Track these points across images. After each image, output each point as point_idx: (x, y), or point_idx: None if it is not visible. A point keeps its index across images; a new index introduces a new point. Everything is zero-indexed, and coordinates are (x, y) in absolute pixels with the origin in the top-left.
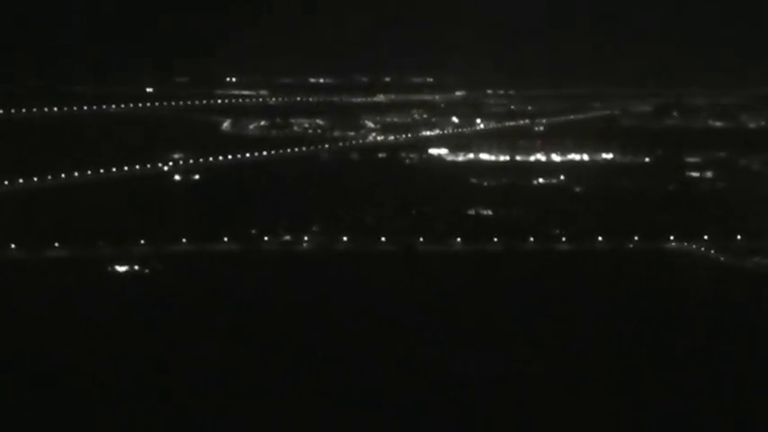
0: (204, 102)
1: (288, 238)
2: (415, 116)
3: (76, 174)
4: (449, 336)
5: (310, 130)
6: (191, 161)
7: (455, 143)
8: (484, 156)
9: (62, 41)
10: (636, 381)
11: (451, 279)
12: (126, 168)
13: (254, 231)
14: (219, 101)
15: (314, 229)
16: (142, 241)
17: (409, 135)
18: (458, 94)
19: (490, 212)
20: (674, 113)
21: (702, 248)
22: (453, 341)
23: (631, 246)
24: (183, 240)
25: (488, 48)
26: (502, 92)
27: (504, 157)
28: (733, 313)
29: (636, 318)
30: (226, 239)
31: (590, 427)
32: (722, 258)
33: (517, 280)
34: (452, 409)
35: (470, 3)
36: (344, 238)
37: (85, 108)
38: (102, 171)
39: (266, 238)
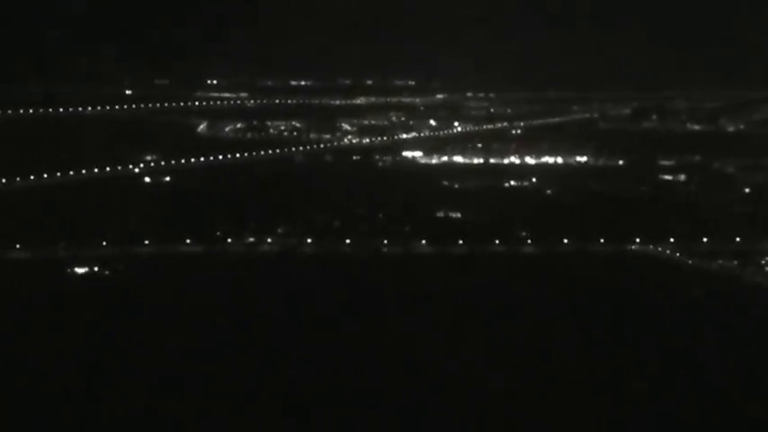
0: (182, 104)
1: (252, 239)
2: (393, 119)
3: (45, 176)
4: (410, 336)
5: (286, 133)
6: (162, 163)
7: (430, 146)
8: (458, 158)
9: (45, 43)
10: (599, 381)
11: (414, 281)
12: (96, 170)
13: (218, 233)
14: (197, 103)
15: (279, 231)
16: (104, 243)
17: (385, 138)
18: (438, 97)
19: (459, 215)
20: (653, 117)
21: (668, 251)
22: (415, 342)
23: (596, 248)
24: (146, 242)
25: (471, 52)
26: (482, 95)
27: (477, 160)
28: (694, 315)
29: (595, 319)
30: (189, 241)
31: (556, 427)
32: (690, 261)
33: (481, 282)
34: (420, 410)
35: (455, 9)
36: (308, 240)
37: (61, 110)
38: (71, 173)
39: (230, 240)
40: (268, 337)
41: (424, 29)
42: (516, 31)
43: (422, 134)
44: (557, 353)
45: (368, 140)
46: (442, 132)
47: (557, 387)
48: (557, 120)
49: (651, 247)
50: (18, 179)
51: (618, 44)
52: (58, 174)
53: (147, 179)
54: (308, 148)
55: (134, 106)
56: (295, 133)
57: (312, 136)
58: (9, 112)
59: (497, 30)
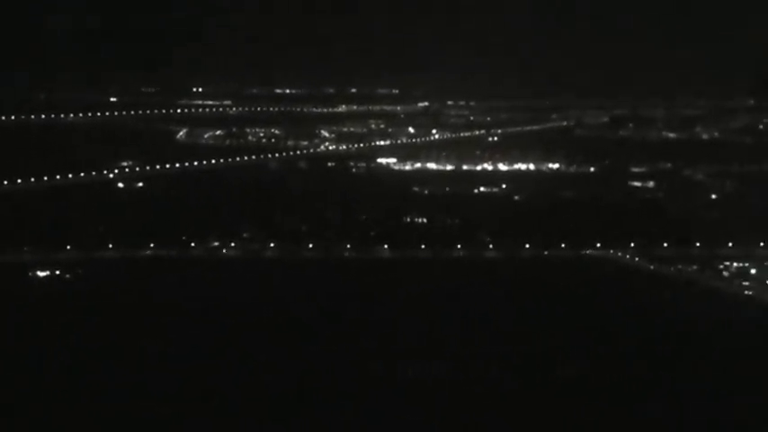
0: (164, 111)
1: (216, 244)
2: (372, 126)
3: (19, 181)
4: (369, 341)
5: (264, 140)
6: (137, 169)
7: (405, 153)
8: (431, 165)
9: (32, 49)
10: (559, 384)
11: (374, 285)
12: (70, 176)
13: (183, 238)
14: (179, 110)
15: (244, 235)
16: (68, 247)
17: (362, 145)
18: (420, 105)
19: (425, 220)
20: (630, 125)
21: (627, 256)
22: (373, 346)
23: (556, 253)
24: (110, 246)
25: (456, 61)
26: (462, 103)
27: (450, 167)
28: (649, 319)
29: (552, 323)
30: (152, 245)
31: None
32: (651, 266)
33: (440, 286)
34: (383, 413)
35: (441, 19)
36: (271, 245)
37: (43, 116)
38: (45, 179)
39: (193, 244)
40: (226, 340)
41: (411, 39)
42: (500, 42)
43: (398, 141)
44: (515, 355)
45: (344, 147)
46: (418, 140)
47: (517, 389)
48: (534, 127)
49: (611, 251)
50: None
51: (599, 54)
52: (32, 179)
53: (121, 185)
54: (284, 154)
55: (116, 113)
56: (273, 140)
57: (290, 143)
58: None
59: (482, 40)
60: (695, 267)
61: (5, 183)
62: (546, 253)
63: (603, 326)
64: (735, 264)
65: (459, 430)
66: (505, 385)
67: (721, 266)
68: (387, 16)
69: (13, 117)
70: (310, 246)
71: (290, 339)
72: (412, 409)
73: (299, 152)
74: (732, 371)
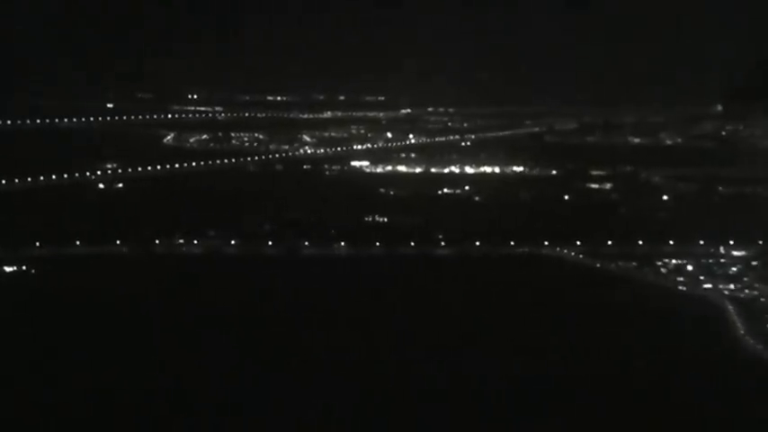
0: (155, 116)
1: (180, 241)
2: (353, 131)
3: (3, 182)
4: (322, 332)
5: (247, 144)
6: (119, 171)
7: (379, 156)
8: (401, 168)
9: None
10: (501, 377)
11: (329, 280)
12: (54, 177)
13: (149, 235)
14: (172, 116)
15: (210, 234)
16: (37, 243)
17: (339, 148)
18: (402, 111)
19: (385, 219)
20: (598, 131)
21: (573, 253)
22: (326, 338)
23: (506, 250)
24: (78, 243)
25: (440, 70)
26: (441, 110)
27: (419, 169)
28: (589, 313)
29: (496, 316)
30: (118, 242)
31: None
32: (597, 264)
33: (393, 282)
34: (326, 407)
35: (428, 30)
36: (233, 242)
37: (38, 121)
38: (29, 179)
39: (157, 242)
40: (185, 333)
41: (400, 49)
42: (485, 53)
43: (375, 145)
44: (463, 348)
45: (322, 151)
46: (394, 144)
47: (462, 381)
48: (506, 133)
49: (558, 249)
50: None
51: (574, 64)
52: (16, 180)
53: (101, 185)
54: (263, 157)
55: (108, 118)
56: (255, 144)
57: (271, 146)
58: None
59: (467, 52)
60: (635, 264)
61: None
62: (496, 250)
63: (546, 319)
64: (673, 260)
65: (406, 423)
66: (451, 377)
67: (660, 263)
68: (380, 28)
69: (8, 122)
70: (269, 243)
71: (248, 331)
72: (364, 400)
73: (277, 155)
74: (664, 360)
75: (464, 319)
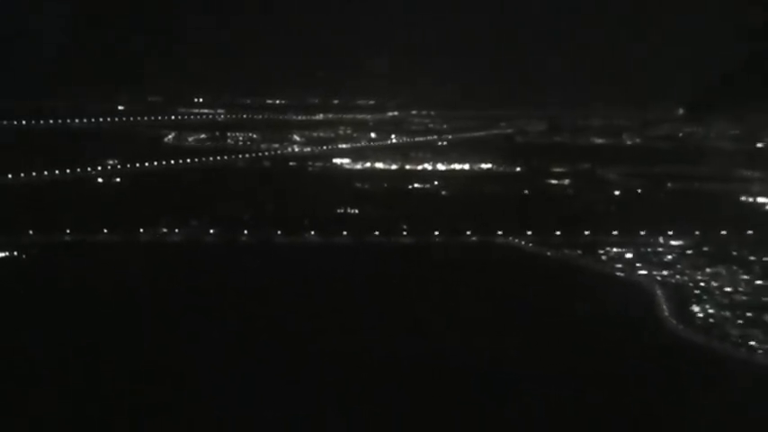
0: (159, 118)
1: (164, 230)
2: (340, 132)
3: (10, 176)
4: (291, 316)
5: (240, 143)
6: (119, 166)
7: (359, 154)
8: (379, 165)
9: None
10: (454, 358)
11: (300, 267)
12: (57, 172)
13: (135, 225)
14: (176, 117)
15: (193, 223)
16: (31, 232)
17: (324, 147)
18: (388, 114)
19: (356, 211)
20: (565, 132)
21: (523, 242)
22: (295, 320)
23: (464, 240)
24: (68, 231)
25: (426, 76)
26: (424, 112)
27: (395, 166)
28: (537, 297)
29: (453, 300)
30: (105, 231)
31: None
32: (548, 252)
33: (359, 268)
34: (297, 391)
35: (417, 37)
36: (211, 231)
37: (51, 122)
38: (34, 174)
39: (142, 230)
40: (166, 316)
41: (388, 56)
42: (469, 60)
43: (358, 145)
44: (422, 333)
45: (308, 149)
46: (376, 143)
47: (417, 365)
48: (480, 134)
49: (510, 238)
50: None
51: (549, 70)
52: (22, 174)
53: (100, 180)
54: (254, 155)
55: (116, 119)
56: (249, 143)
57: (263, 145)
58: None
59: (452, 57)
60: (579, 252)
61: None
62: (454, 240)
63: (494, 302)
64: (614, 249)
65: (362, 408)
66: (406, 360)
67: (602, 251)
68: (372, 37)
69: (23, 122)
70: (245, 232)
71: (222, 311)
72: (329, 385)
73: (267, 153)
74: (594, 339)
75: (420, 302)
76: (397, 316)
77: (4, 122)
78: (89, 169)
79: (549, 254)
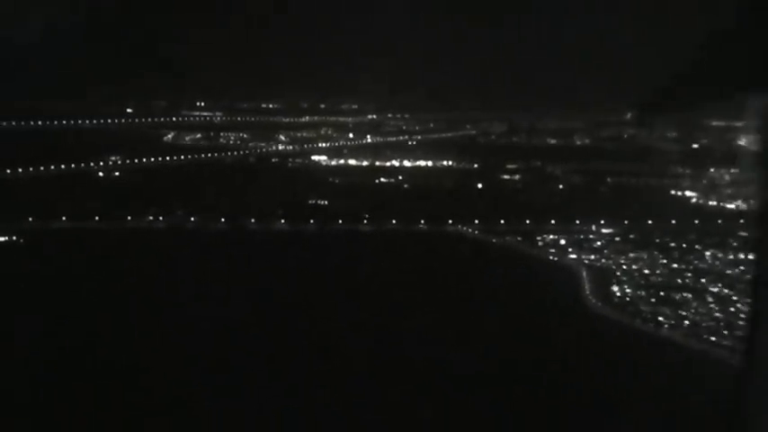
0: (162, 119)
1: (150, 218)
2: (321, 132)
3: (20, 170)
4: (256, 298)
5: (231, 142)
6: (119, 162)
7: (336, 153)
8: (352, 161)
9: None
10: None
11: (267, 251)
12: (63, 167)
13: (124, 213)
14: (177, 119)
15: (178, 213)
16: (30, 219)
17: (306, 146)
18: (368, 117)
19: (326, 202)
20: (524, 134)
21: (470, 230)
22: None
23: (417, 228)
24: (63, 218)
25: (405, 81)
26: (399, 115)
27: (366, 163)
28: (478, 278)
29: (405, 281)
30: (97, 218)
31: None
32: (492, 239)
33: (321, 253)
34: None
35: (402, 47)
36: (192, 219)
37: (65, 122)
38: (41, 168)
39: (130, 218)
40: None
41: (369, 66)
42: (439, 68)
43: (336, 144)
44: (371, 311)
45: (291, 148)
46: (352, 143)
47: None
48: (448, 134)
49: (459, 227)
50: None
51: (516, 77)
52: (30, 169)
53: (101, 174)
54: (241, 153)
55: (122, 121)
56: (239, 142)
57: (251, 144)
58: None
59: (425, 66)
60: (519, 239)
61: (7, 171)
62: (408, 228)
63: (440, 284)
64: (550, 236)
65: (318, 393)
66: (362, 341)
67: (539, 238)
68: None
69: (32, 123)
70: (222, 219)
71: (197, 294)
72: (293, 370)
73: (253, 151)
74: (524, 317)
75: (372, 284)
76: (351, 297)
77: (22, 122)
78: (92, 164)
79: (493, 240)
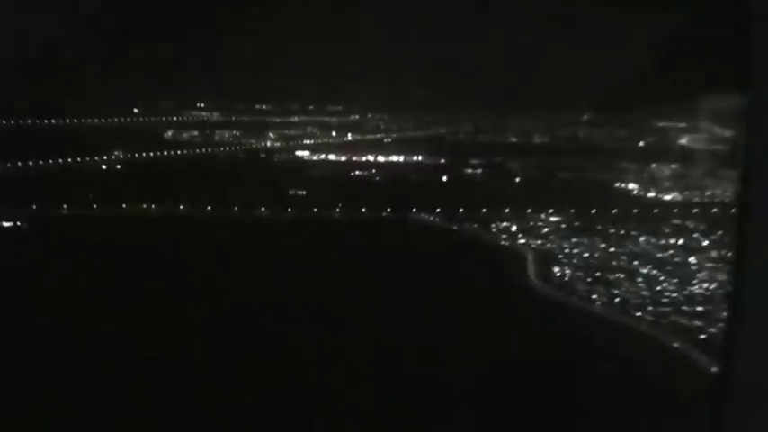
0: (164, 119)
1: (144, 206)
2: (307, 131)
3: (30, 163)
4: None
5: (224, 139)
6: (120, 156)
7: (317, 149)
8: (330, 156)
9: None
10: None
11: (248, 239)
12: (69, 160)
13: (121, 201)
14: (178, 118)
15: (167, 201)
16: (35, 206)
17: (290, 143)
18: (351, 117)
19: (304, 192)
20: (489, 133)
21: (431, 217)
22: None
23: (383, 215)
24: (65, 206)
25: (388, 85)
26: (379, 116)
27: (343, 158)
28: (434, 261)
29: (368, 265)
30: (95, 206)
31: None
32: (452, 226)
33: (291, 239)
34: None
35: (388, 55)
36: (181, 207)
37: (67, 121)
38: (51, 162)
39: (124, 206)
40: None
41: (357, 70)
42: (417, 73)
43: (318, 141)
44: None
45: (277, 144)
46: (334, 140)
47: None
48: (420, 133)
49: (423, 215)
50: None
51: (485, 81)
52: (40, 162)
53: (104, 167)
54: (231, 149)
55: (128, 119)
56: (231, 139)
57: (242, 141)
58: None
59: (404, 73)
60: (476, 225)
61: (18, 164)
62: (373, 215)
63: (405, 267)
64: (504, 223)
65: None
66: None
67: (493, 225)
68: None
69: (44, 121)
70: (209, 207)
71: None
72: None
73: (243, 147)
74: (477, 298)
75: (339, 268)
76: (318, 279)
77: (37, 121)
78: (96, 158)
79: (453, 228)
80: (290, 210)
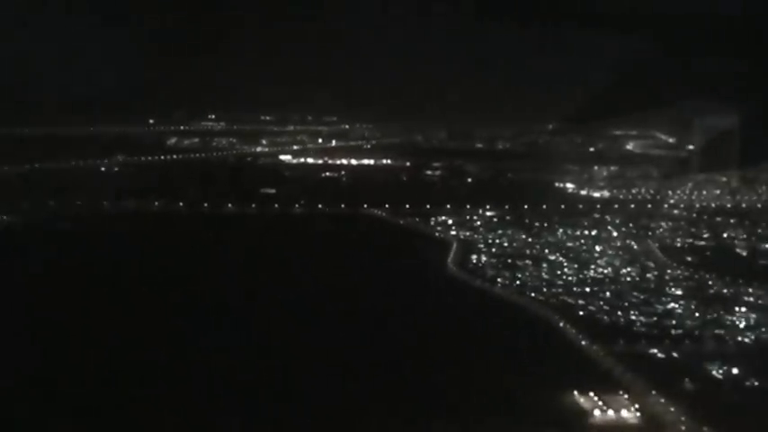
0: (171, 128)
1: (129, 204)
2: (296, 138)
3: (36, 165)
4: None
5: (222, 145)
6: (120, 159)
7: (300, 154)
8: (310, 160)
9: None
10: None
11: (218, 229)
12: (72, 163)
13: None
14: (183, 127)
15: (163, 199)
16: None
17: (278, 148)
18: (341, 126)
19: (273, 190)
20: (458, 139)
21: (381, 213)
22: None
23: (336, 210)
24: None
25: (375, 97)
26: (364, 125)
27: (320, 162)
28: (382, 253)
29: (318, 253)
30: (97, 205)
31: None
32: (399, 220)
33: (262, 233)
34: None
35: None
36: (156, 203)
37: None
38: (62, 164)
39: (107, 203)
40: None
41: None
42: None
43: (304, 147)
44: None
45: (267, 150)
46: (319, 146)
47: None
48: (397, 140)
49: (373, 210)
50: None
51: (459, 93)
52: (51, 165)
53: (103, 169)
54: (225, 153)
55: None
56: (227, 146)
57: (237, 147)
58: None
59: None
60: (417, 219)
61: (26, 167)
62: (332, 210)
63: (346, 253)
64: (442, 217)
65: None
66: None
67: (432, 219)
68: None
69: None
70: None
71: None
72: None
73: (236, 152)
74: (408, 283)
75: (293, 256)
76: (274, 267)
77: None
78: (103, 161)
79: (400, 222)
80: (253, 206)
